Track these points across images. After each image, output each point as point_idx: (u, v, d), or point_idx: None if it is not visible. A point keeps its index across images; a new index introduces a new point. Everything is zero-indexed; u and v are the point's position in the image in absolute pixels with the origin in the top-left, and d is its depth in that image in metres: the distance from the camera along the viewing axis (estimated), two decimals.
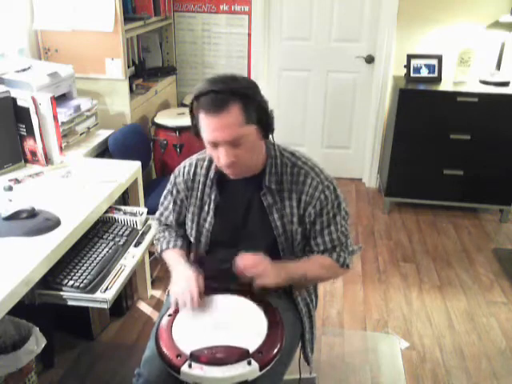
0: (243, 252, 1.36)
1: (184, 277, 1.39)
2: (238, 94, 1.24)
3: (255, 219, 1.43)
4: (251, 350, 1.19)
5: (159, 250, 1.58)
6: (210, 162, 1.46)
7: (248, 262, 1.32)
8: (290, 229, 1.42)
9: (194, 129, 1.35)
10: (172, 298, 1.37)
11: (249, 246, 1.44)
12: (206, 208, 1.46)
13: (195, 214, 1.48)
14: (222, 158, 1.29)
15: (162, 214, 1.60)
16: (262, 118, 1.30)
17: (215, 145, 1.29)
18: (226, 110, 1.23)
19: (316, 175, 1.41)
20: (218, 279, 1.44)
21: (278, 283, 1.35)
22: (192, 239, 1.52)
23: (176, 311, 1.35)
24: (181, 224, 1.57)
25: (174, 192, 1.53)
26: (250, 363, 1.16)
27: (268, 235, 1.43)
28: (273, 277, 1.33)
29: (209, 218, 1.46)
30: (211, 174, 1.45)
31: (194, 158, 1.51)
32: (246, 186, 1.42)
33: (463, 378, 2.05)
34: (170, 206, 1.55)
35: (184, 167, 1.50)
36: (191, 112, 1.34)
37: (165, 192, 1.58)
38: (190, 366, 1.16)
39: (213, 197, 1.44)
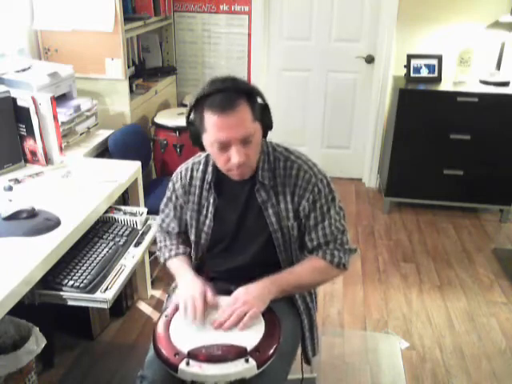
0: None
1: (192, 285, 1.37)
2: (244, 92, 1.26)
3: (252, 217, 1.42)
4: (249, 349, 1.19)
5: (163, 260, 1.56)
6: (206, 165, 1.45)
7: (224, 314, 1.27)
8: (286, 225, 1.40)
9: (194, 134, 1.33)
10: (176, 300, 1.35)
11: (246, 244, 1.44)
12: (205, 211, 1.45)
13: (193, 218, 1.47)
14: (234, 157, 1.27)
15: (163, 221, 1.58)
16: (264, 116, 1.33)
17: (225, 146, 1.26)
18: (236, 108, 1.23)
19: (309, 168, 1.40)
20: (218, 281, 1.44)
21: (271, 299, 1.32)
22: (192, 242, 1.52)
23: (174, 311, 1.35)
24: (184, 230, 1.55)
25: (174, 198, 1.52)
26: (247, 361, 1.17)
27: (264, 232, 1.42)
28: (261, 300, 1.29)
29: (207, 221, 1.45)
30: (208, 177, 1.43)
31: (189, 162, 1.50)
32: (242, 185, 1.41)
33: (463, 378, 2.05)
34: (172, 214, 1.54)
35: (181, 172, 1.50)
36: (188, 117, 1.33)
37: (164, 199, 1.56)
38: (187, 363, 1.16)
39: (211, 200, 1.43)
